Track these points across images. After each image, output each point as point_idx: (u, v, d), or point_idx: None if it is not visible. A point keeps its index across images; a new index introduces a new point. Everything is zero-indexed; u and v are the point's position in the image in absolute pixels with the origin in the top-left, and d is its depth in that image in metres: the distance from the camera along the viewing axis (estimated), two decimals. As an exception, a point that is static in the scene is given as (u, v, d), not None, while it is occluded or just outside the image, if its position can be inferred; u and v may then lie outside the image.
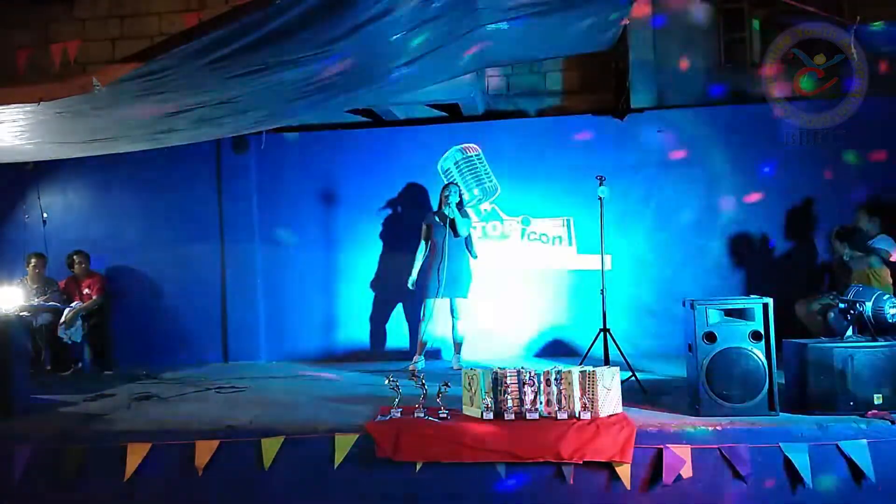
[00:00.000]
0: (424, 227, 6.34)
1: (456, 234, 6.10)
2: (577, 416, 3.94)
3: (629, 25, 6.54)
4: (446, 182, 6.63)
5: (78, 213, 7.56)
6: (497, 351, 6.78)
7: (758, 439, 3.84)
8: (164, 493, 4.05)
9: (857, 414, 3.93)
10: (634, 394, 4.60)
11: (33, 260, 6.80)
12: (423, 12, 3.93)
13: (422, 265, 6.27)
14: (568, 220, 7.00)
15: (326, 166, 7.31)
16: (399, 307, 7.14)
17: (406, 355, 6.82)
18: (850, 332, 4.30)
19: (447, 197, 6.07)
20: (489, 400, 4.04)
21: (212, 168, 7.38)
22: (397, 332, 7.17)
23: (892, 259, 5.55)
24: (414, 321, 6.99)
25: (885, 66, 5.51)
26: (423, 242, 6.31)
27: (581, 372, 4.01)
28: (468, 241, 6.25)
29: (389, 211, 7.22)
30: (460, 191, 6.25)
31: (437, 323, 6.38)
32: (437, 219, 6.24)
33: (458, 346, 6.25)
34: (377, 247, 7.20)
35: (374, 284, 7.21)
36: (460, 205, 6.15)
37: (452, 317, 6.20)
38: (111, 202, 7.53)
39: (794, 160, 6.67)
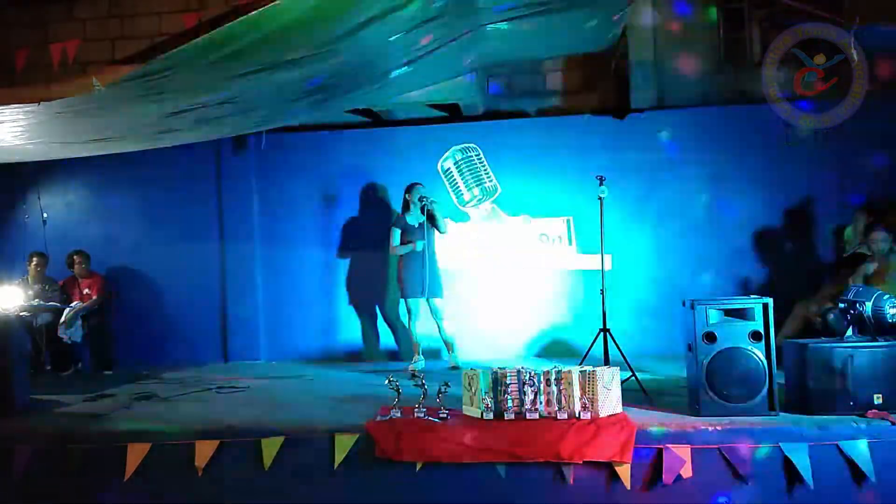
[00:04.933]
0: (398, 231, 6.25)
1: (440, 231, 6.13)
2: (577, 416, 3.94)
3: (629, 25, 6.55)
4: (415, 186, 6.36)
5: (78, 213, 7.56)
6: (497, 351, 6.77)
7: (758, 439, 3.83)
8: (164, 493, 4.05)
9: (857, 414, 3.92)
10: (634, 394, 4.60)
11: (35, 259, 6.79)
12: (423, 12, 3.93)
13: (406, 266, 6.21)
14: (568, 220, 6.99)
15: (326, 166, 7.31)
16: (397, 308, 7.14)
17: (406, 355, 6.82)
18: (850, 332, 4.30)
19: (420, 200, 6.06)
20: (489, 400, 4.04)
21: (212, 168, 7.37)
22: (397, 332, 7.17)
23: None
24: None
25: (886, 66, 5.51)
26: (401, 246, 6.20)
27: (581, 372, 4.01)
28: (436, 221, 6.16)
29: (389, 211, 7.21)
30: (419, 190, 6.22)
31: (424, 323, 6.38)
32: (408, 221, 6.22)
33: (450, 346, 6.26)
34: (376, 247, 7.18)
35: (373, 284, 7.20)
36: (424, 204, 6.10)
37: (436, 318, 6.21)
38: (111, 202, 7.53)
39: (794, 160, 6.66)
